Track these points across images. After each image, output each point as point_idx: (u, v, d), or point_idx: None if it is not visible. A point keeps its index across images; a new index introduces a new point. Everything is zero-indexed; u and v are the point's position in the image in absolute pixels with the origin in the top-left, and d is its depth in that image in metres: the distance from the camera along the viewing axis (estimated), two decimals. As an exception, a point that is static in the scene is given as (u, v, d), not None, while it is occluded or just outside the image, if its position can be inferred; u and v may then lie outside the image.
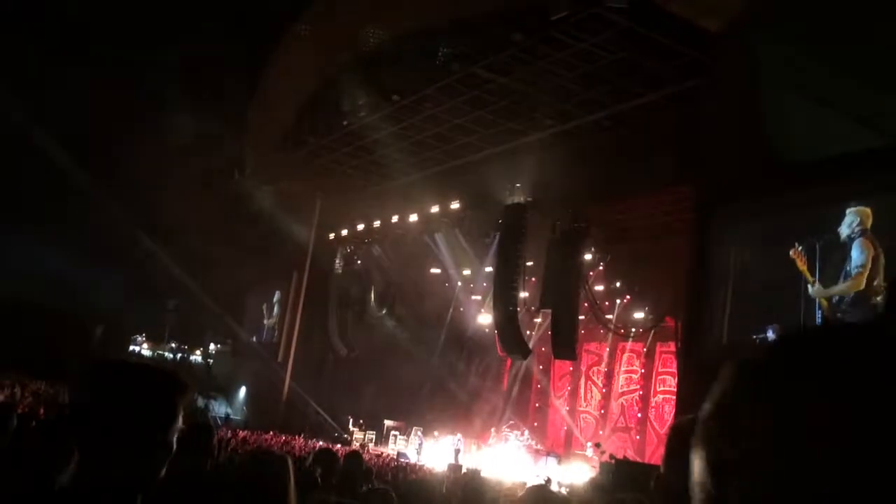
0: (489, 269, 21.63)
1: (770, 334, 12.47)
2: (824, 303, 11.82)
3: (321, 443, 20.40)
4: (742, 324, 13.05)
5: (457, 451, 21.16)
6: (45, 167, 26.59)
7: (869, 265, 11.39)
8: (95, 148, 26.92)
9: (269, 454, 3.16)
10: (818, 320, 11.84)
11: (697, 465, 0.70)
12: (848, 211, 11.73)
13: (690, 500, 0.94)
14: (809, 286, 12.00)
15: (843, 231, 11.72)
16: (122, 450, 1.57)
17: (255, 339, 32.14)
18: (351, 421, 25.73)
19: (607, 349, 24.40)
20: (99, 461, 1.57)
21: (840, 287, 11.68)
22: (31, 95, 25.33)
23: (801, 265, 12.01)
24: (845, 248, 11.71)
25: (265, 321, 31.18)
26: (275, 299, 30.70)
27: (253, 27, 20.99)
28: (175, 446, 1.68)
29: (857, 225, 11.59)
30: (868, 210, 11.52)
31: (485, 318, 24.29)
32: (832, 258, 11.85)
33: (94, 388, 1.66)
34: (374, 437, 25.10)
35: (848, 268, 11.63)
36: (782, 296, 12.49)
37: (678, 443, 1.50)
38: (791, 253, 12.11)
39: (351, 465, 5.25)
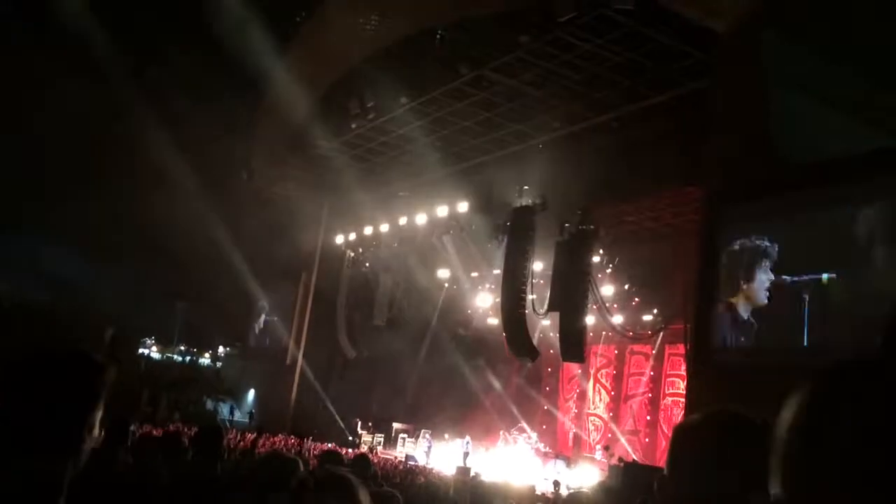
0: (497, 271, 21.62)
1: None
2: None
3: (330, 445, 20.43)
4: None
5: (465, 454, 21.15)
6: (51, 168, 26.74)
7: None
8: (101, 148, 27.03)
9: (280, 456, 3.15)
10: None
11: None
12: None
13: (695, 502, 1.02)
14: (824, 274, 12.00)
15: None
16: (38, 442, 1.45)
17: (265, 341, 32.20)
18: (359, 423, 25.75)
19: (616, 351, 24.35)
20: (14, 454, 1.44)
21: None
22: (35, 95, 25.46)
23: None
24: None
25: (274, 322, 31.23)
26: (283, 300, 30.73)
27: (261, 29, 21.03)
28: (94, 440, 1.53)
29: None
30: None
31: (493, 321, 24.27)
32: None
33: (8, 378, 1.54)
34: (382, 439, 25.11)
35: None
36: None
37: (682, 444, 1.49)
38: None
39: (358, 468, 5.25)
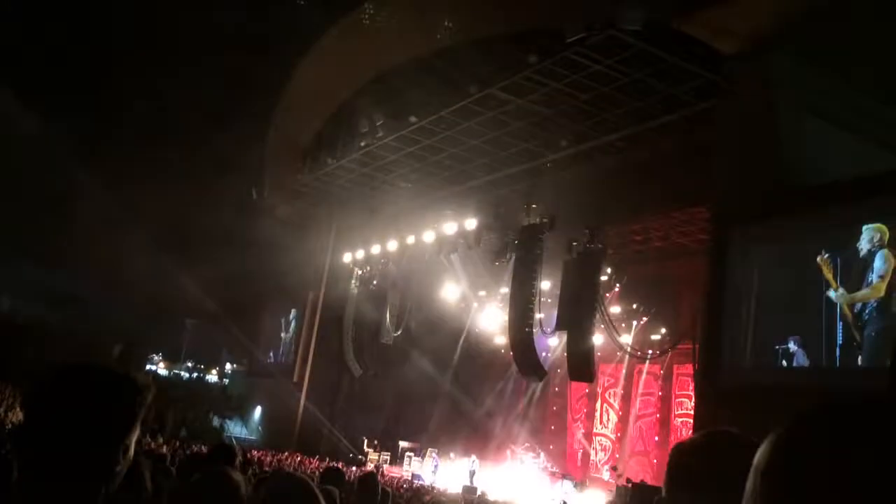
0: (505, 289, 21.60)
1: (792, 346, 12.43)
2: (847, 312, 11.81)
3: (335, 464, 20.36)
4: (762, 343, 12.97)
5: (472, 473, 21.02)
6: (63, 191, 26.97)
7: (890, 274, 11.40)
8: (114, 169, 27.26)
9: (292, 477, 3.07)
10: (839, 331, 11.82)
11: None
12: (865, 228, 11.75)
13: None
14: (832, 291, 12.00)
15: (864, 246, 11.79)
16: (71, 464, 1.41)
17: (271, 358, 32.19)
18: (366, 441, 25.65)
19: (624, 371, 24.22)
20: (45, 475, 1.40)
21: (862, 293, 11.70)
22: (55, 114, 25.75)
23: (828, 272, 12.04)
24: (866, 261, 11.74)
25: (282, 335, 31.24)
26: (291, 315, 30.78)
27: (274, 50, 21.26)
28: (128, 462, 1.49)
29: (878, 239, 11.66)
30: (885, 227, 11.57)
31: (501, 340, 24.19)
32: (852, 270, 11.87)
33: (43, 394, 1.48)
34: (388, 457, 24.98)
35: (870, 277, 11.65)
36: (802, 312, 12.46)
37: (680, 465, 1.49)
38: (818, 259, 12.13)
39: (367, 487, 5.24)
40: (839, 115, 12.96)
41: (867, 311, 11.66)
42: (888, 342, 10.83)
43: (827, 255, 12.14)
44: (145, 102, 24.78)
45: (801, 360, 12.45)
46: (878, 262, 11.61)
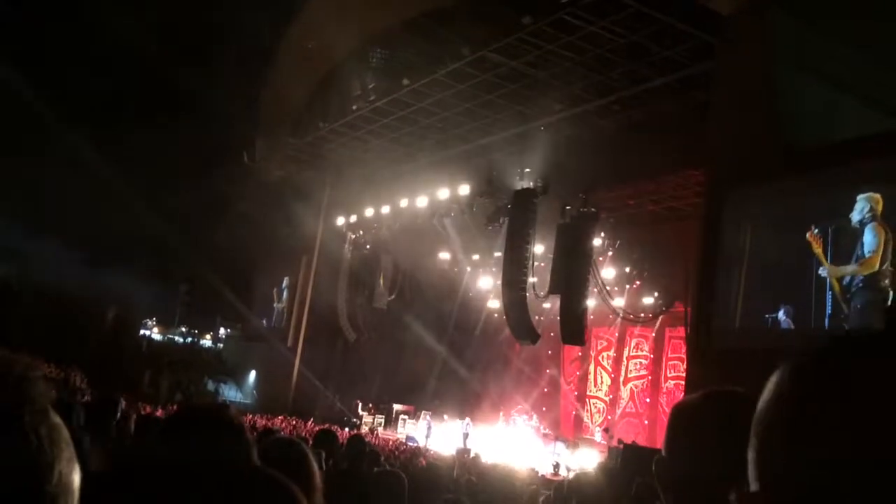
0: (498, 253, 21.60)
1: (782, 315, 12.46)
2: (836, 284, 11.82)
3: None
4: (753, 307, 13.01)
5: (465, 435, 21.23)
6: (57, 156, 26.75)
7: (881, 248, 11.37)
8: (108, 132, 27.02)
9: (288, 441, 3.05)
10: (828, 302, 11.83)
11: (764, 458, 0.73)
12: (858, 198, 11.68)
13: (693, 483, 1.24)
14: (822, 269, 11.99)
15: (855, 217, 11.70)
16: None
17: (264, 323, 32.27)
18: (360, 405, 25.84)
19: (616, 334, 24.37)
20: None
21: (852, 268, 11.70)
22: (47, 84, 25.44)
23: (817, 248, 12.01)
24: (857, 232, 11.68)
25: (275, 305, 31.30)
26: (284, 284, 30.79)
27: (264, 13, 20.93)
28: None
29: (868, 211, 11.59)
30: (878, 196, 11.50)
31: (494, 303, 24.27)
32: (844, 242, 11.82)
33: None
34: (383, 420, 25.20)
35: (860, 251, 11.62)
36: (793, 278, 12.46)
37: (680, 424, 1.47)
38: (808, 235, 12.10)
39: (353, 448, 5.28)
40: (839, 76, 12.82)
41: (855, 284, 11.67)
42: (875, 314, 10.83)
43: (817, 231, 12.09)
44: (140, 69, 24.46)
45: (789, 326, 12.50)
46: (868, 237, 11.56)
